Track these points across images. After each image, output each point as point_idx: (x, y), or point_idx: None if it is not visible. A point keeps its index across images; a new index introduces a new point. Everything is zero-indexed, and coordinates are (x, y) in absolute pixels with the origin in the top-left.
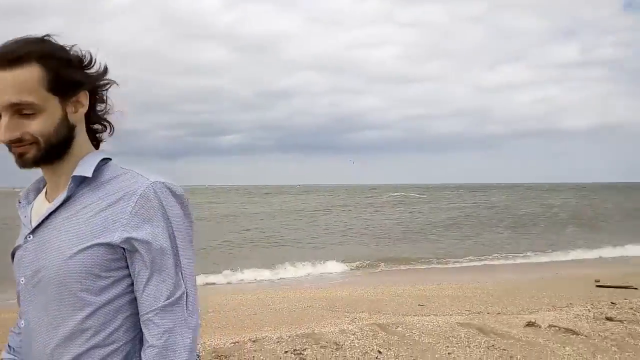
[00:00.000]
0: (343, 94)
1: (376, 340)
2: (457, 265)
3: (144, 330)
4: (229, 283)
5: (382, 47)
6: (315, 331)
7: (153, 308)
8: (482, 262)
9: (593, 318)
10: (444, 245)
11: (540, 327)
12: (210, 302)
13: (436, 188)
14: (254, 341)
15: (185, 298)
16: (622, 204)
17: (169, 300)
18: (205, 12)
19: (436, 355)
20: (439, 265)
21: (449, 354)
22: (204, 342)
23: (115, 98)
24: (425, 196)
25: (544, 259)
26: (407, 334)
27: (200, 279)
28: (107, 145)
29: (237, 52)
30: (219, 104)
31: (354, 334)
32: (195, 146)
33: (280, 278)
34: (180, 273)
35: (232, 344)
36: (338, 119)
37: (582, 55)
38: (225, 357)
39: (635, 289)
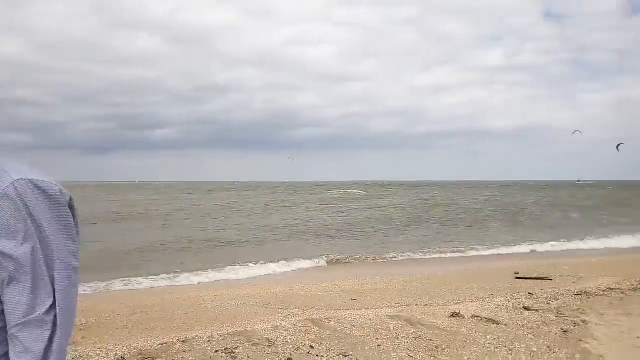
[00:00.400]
0: (280, 91)
1: (309, 335)
2: (390, 259)
3: (10, 346)
4: (167, 285)
5: (318, 45)
6: (248, 329)
7: (16, 323)
8: (414, 256)
9: (512, 308)
10: (378, 240)
11: (464, 317)
12: (138, 303)
13: (375, 185)
14: (183, 341)
15: (52, 312)
16: (542, 200)
17: (31, 316)
18: (138, 0)
19: (366, 348)
20: (373, 260)
21: (378, 345)
22: (130, 345)
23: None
24: (365, 193)
25: (471, 252)
26: (339, 328)
27: (132, 281)
28: (25, 137)
29: (171, 43)
30: (151, 97)
31: (286, 330)
32: (126, 140)
33: (219, 279)
34: (48, 286)
35: (160, 345)
36: (276, 116)
37: (507, 60)
38: (152, 359)
39: (550, 279)
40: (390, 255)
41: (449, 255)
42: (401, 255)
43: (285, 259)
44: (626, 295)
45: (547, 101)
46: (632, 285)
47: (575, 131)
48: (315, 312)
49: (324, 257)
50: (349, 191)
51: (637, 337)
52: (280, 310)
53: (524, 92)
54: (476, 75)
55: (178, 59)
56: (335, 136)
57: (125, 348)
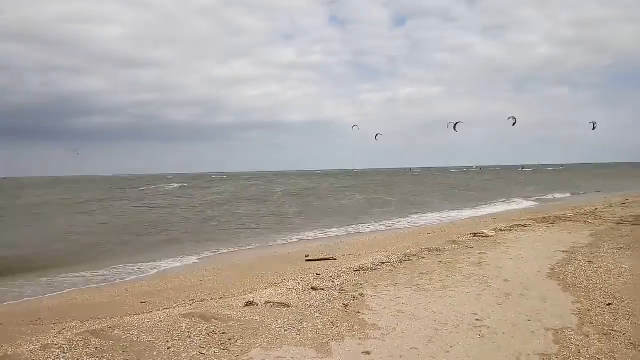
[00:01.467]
0: (60, 73)
1: (87, 349)
2: (188, 256)
3: None
4: None
5: (106, 25)
6: (9, 353)
7: None
8: (222, 250)
9: (302, 290)
10: (174, 236)
11: (257, 305)
12: None
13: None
14: None
15: None
16: (333, 186)
17: None
18: None
19: (155, 353)
20: (168, 259)
21: (168, 348)
22: None
23: None
24: (176, 186)
25: (270, 243)
26: (124, 336)
27: None
28: None
29: None
30: None
31: (59, 348)
32: None
33: None
34: None
35: None
36: (55, 101)
37: (299, 58)
38: None
39: (335, 259)
40: (191, 250)
41: (252, 247)
42: (205, 253)
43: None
44: (394, 267)
45: (333, 98)
46: (399, 258)
47: (510, 117)
48: (97, 322)
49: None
50: (162, 185)
51: (403, 304)
52: (53, 325)
53: (314, 88)
54: (271, 70)
55: None
56: (127, 125)
57: None
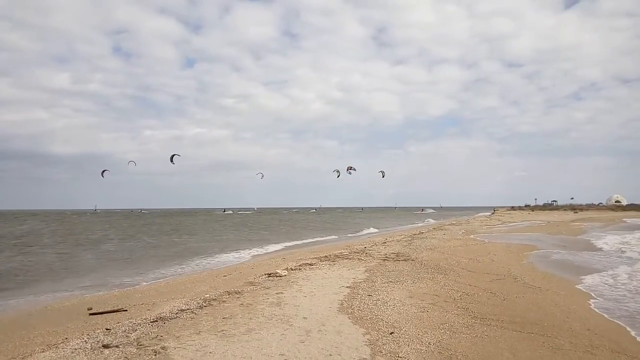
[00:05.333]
0: None
1: None
2: None
3: None
4: None
5: None
6: None
7: None
8: None
9: (91, 349)
10: None
11: None
12: None
13: None
14: None
15: None
16: (113, 227)
17: None
18: None
19: None
20: None
21: None
22: None
23: None
24: None
25: (39, 296)
26: None
27: None
28: None
29: None
30: None
31: None
32: None
33: None
34: None
35: None
36: None
37: (74, 85)
38: None
39: (126, 310)
40: None
41: (13, 300)
42: None
43: None
44: (195, 314)
45: (112, 131)
46: (199, 303)
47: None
48: None
49: None
50: None
51: (210, 353)
52: None
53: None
54: (38, 95)
55: None
56: None
57: None
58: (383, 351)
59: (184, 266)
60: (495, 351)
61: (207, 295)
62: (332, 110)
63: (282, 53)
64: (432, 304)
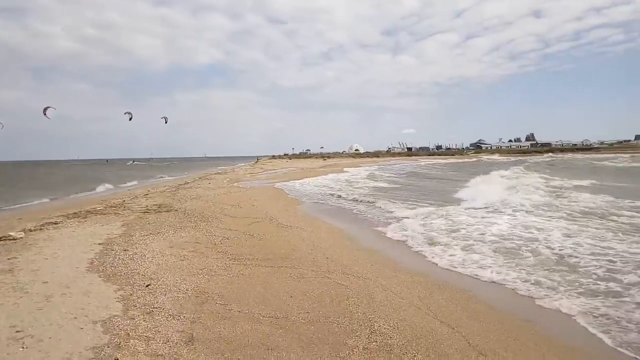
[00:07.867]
0: None
1: None
2: None
3: None
4: None
5: None
6: None
7: None
8: None
9: None
10: None
11: None
12: None
13: None
14: None
15: None
16: None
17: None
18: None
19: None
20: None
21: None
22: None
23: None
24: None
25: None
26: None
27: None
28: None
29: None
30: None
31: None
32: None
33: None
34: None
35: None
36: None
37: None
38: None
39: None
40: None
41: None
42: None
43: None
44: None
45: None
46: None
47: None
48: None
49: None
50: None
51: None
52: None
53: None
54: None
55: None
56: None
57: None
58: (137, 305)
59: None
60: (249, 287)
61: None
62: (83, 50)
63: None
64: (192, 251)
